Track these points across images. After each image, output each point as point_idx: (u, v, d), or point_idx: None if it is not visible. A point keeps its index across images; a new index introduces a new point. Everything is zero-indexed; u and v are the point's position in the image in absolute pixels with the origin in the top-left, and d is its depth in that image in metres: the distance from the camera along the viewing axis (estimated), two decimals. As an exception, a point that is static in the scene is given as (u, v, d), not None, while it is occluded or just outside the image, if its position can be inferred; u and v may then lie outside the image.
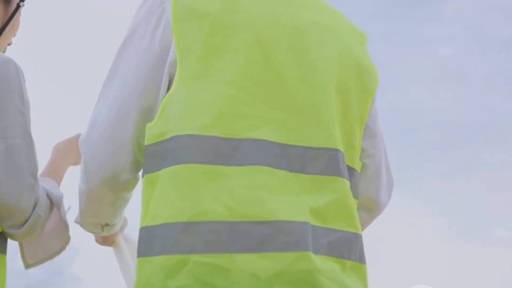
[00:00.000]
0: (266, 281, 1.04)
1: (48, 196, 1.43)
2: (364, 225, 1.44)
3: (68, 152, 1.61)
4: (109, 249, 1.60)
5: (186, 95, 1.12)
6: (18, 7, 1.61)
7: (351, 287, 1.14)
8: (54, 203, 1.45)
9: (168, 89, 1.16)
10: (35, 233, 1.39)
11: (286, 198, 1.10)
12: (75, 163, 1.60)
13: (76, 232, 1.58)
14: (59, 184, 1.55)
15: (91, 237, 1.57)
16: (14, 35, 1.67)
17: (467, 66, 6.04)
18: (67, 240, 1.48)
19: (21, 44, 1.76)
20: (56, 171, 1.57)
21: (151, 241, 1.09)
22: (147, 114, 1.18)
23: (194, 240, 1.05)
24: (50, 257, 1.49)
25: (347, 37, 1.29)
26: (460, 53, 6.11)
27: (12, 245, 1.42)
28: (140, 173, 1.21)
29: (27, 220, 1.35)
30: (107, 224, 1.40)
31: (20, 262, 1.51)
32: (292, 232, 1.07)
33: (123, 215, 1.45)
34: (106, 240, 1.60)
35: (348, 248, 1.17)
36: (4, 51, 1.63)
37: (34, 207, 1.36)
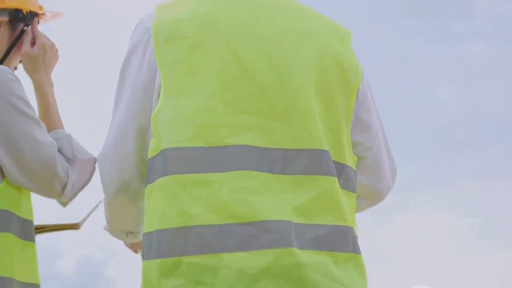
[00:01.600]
0: (252, 276, 1.13)
1: (62, 153, 1.62)
2: (365, 209, 1.50)
3: (36, 65, 1.76)
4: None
5: (171, 111, 1.22)
6: (22, 31, 1.74)
7: (340, 277, 1.21)
8: (71, 155, 1.64)
9: None
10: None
11: (269, 199, 1.19)
12: (46, 69, 1.75)
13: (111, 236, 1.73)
14: (57, 115, 1.74)
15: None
16: (20, 61, 1.79)
17: (498, 62, 5.97)
18: (93, 171, 1.68)
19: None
20: (48, 107, 1.73)
21: (149, 246, 1.20)
22: (145, 132, 1.30)
23: (185, 243, 1.15)
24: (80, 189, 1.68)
25: (326, 38, 1.36)
26: (491, 49, 6.04)
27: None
28: None
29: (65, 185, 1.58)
30: (131, 232, 1.52)
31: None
32: (275, 230, 1.16)
33: None
34: (133, 246, 1.74)
35: (338, 241, 1.24)
36: None
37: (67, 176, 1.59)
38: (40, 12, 1.80)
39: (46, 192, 1.59)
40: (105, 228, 1.53)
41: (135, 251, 1.75)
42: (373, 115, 1.43)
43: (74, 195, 1.65)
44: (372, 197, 1.47)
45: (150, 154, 1.25)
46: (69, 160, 1.63)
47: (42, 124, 1.59)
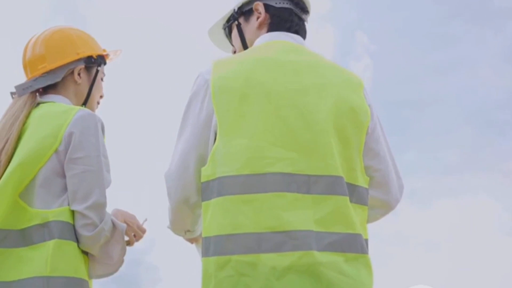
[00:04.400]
0: (281, 271, 1.57)
1: (113, 223, 1.96)
2: (379, 218, 1.93)
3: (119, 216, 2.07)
4: (180, 240, 2.11)
5: (224, 148, 1.66)
6: (97, 72, 2.17)
7: (349, 272, 1.63)
8: (117, 229, 1.96)
9: (214, 141, 1.72)
10: (98, 244, 1.88)
11: (296, 214, 1.62)
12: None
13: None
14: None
15: (164, 228, 2.09)
16: (101, 97, 2.22)
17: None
18: (121, 264, 1.99)
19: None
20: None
21: (208, 247, 1.65)
22: (202, 159, 1.74)
23: (234, 246, 1.59)
24: (107, 275, 1.99)
25: (341, 89, 1.78)
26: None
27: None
28: None
29: (96, 227, 1.87)
30: (188, 230, 1.97)
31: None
32: (299, 237, 1.60)
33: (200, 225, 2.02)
34: (189, 240, 2.17)
35: (348, 244, 1.66)
36: (94, 111, 2.19)
37: (101, 221, 1.88)
38: (104, 53, 2.21)
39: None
40: (168, 227, 1.96)
41: (191, 243, 2.18)
42: (381, 144, 1.85)
43: (96, 237, 1.89)
44: (383, 207, 1.89)
45: (204, 178, 1.69)
46: (113, 229, 1.96)
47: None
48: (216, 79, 1.73)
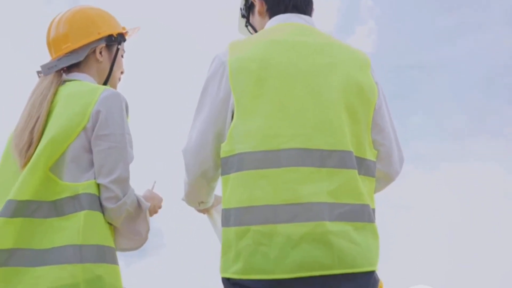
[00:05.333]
0: (296, 240, 1.70)
1: (138, 200, 2.07)
2: (381, 189, 2.06)
3: (148, 198, 2.21)
4: (185, 207, 2.22)
5: (241, 126, 1.79)
6: (117, 49, 2.27)
7: (358, 239, 1.77)
8: (142, 208, 2.08)
9: (232, 119, 1.83)
10: (121, 216, 1.99)
11: (310, 186, 1.75)
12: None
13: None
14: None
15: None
16: (122, 73, 2.33)
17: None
18: (146, 240, 2.12)
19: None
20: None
21: (228, 217, 1.78)
22: (219, 137, 1.86)
23: (252, 217, 1.73)
24: (131, 250, 2.13)
25: (350, 67, 1.90)
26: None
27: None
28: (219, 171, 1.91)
29: (119, 200, 1.98)
30: (202, 202, 2.11)
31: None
32: (313, 209, 1.73)
33: (214, 196, 2.15)
34: (202, 210, 2.30)
35: (356, 214, 1.79)
36: (116, 87, 2.30)
37: (124, 195, 2.00)
38: (123, 31, 2.30)
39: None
40: (182, 199, 2.10)
41: (203, 213, 2.30)
42: (386, 120, 1.97)
43: (119, 209, 1.99)
44: (385, 179, 2.03)
45: (224, 154, 1.82)
46: (138, 206, 2.07)
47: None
48: (233, 61, 1.85)
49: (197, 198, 2.08)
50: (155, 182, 2.30)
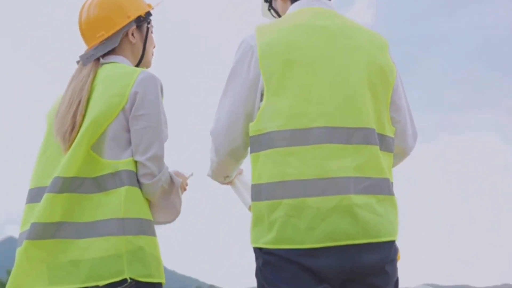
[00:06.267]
0: (325, 212, 1.85)
1: (171, 177, 2.21)
2: (397, 164, 2.21)
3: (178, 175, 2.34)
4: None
5: (271, 106, 1.92)
6: (148, 28, 2.38)
7: (380, 210, 1.91)
8: (174, 183, 2.22)
9: (261, 100, 1.96)
10: (157, 192, 2.11)
11: (337, 162, 1.88)
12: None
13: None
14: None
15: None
16: (154, 47, 2.43)
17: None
18: (179, 214, 2.26)
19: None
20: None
21: (259, 192, 1.92)
22: (249, 117, 2.00)
23: (283, 191, 1.87)
24: (166, 223, 2.25)
25: (371, 49, 2.03)
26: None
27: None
28: (248, 150, 2.05)
29: (155, 176, 2.11)
30: (227, 176, 2.26)
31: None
32: (340, 183, 1.87)
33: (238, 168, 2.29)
34: (227, 183, 2.44)
35: (379, 188, 1.94)
36: (150, 63, 2.41)
37: (159, 172, 2.13)
38: (150, 9, 2.39)
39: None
40: (208, 175, 2.25)
41: (227, 185, 2.42)
42: (402, 99, 2.11)
43: (154, 185, 2.11)
44: (401, 154, 2.18)
45: (253, 133, 1.94)
46: (171, 182, 2.18)
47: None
48: (261, 45, 1.97)
49: (224, 174, 2.23)
50: (192, 174, 2.41)
